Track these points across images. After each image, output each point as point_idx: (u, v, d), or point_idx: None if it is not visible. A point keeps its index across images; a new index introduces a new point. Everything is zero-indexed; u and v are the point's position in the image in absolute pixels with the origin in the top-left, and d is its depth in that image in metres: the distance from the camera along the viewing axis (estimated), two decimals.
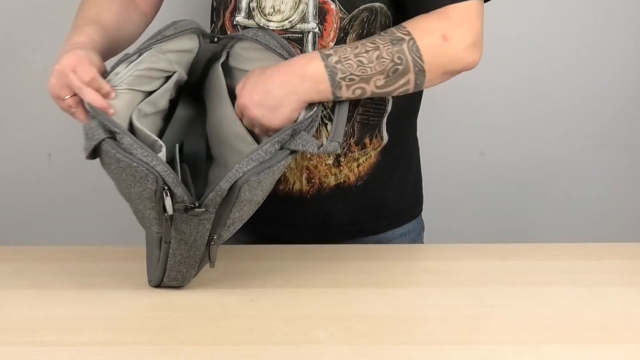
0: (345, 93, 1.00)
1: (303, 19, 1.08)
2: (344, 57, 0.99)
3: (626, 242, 1.15)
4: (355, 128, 1.14)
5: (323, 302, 0.97)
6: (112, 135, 0.92)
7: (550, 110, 1.87)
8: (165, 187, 0.87)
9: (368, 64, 1.00)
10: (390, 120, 1.16)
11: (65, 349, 0.87)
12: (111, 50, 1.09)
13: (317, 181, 1.15)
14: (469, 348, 0.85)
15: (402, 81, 1.02)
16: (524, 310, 0.95)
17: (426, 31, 1.02)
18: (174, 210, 0.89)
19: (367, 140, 1.15)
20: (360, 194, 1.18)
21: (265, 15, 1.09)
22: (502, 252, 1.14)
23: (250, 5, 1.10)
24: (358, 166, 1.16)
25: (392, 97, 1.14)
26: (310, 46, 1.09)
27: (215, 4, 1.17)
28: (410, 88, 1.03)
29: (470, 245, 1.18)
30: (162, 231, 0.92)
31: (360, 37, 1.09)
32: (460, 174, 1.92)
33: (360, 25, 1.09)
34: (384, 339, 0.87)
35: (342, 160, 1.15)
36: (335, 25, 1.09)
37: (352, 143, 1.14)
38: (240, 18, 1.11)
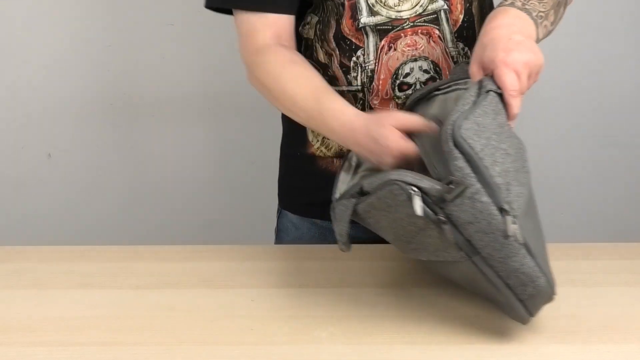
0: (540, 32, 0.97)
1: (431, 0, 1.09)
2: (524, 1, 0.97)
3: (626, 242, 1.15)
4: None
5: (323, 302, 0.97)
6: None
7: (550, 110, 1.87)
8: (413, 188, 0.79)
9: (544, 1, 0.98)
10: None
11: (65, 349, 0.87)
12: None
13: None
14: (469, 348, 0.85)
15: (560, 13, 1.02)
16: None
17: None
18: (440, 206, 0.79)
19: None
20: None
21: (391, 7, 1.08)
22: None
23: (369, 2, 1.08)
24: None
25: None
26: (445, 24, 1.09)
27: (315, 18, 1.12)
28: (561, 20, 1.03)
29: None
30: (458, 244, 0.81)
31: (480, 3, 1.11)
32: None
33: None
34: (384, 339, 0.87)
35: None
36: None
37: None
38: (365, 18, 1.09)
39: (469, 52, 1.11)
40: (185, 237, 1.92)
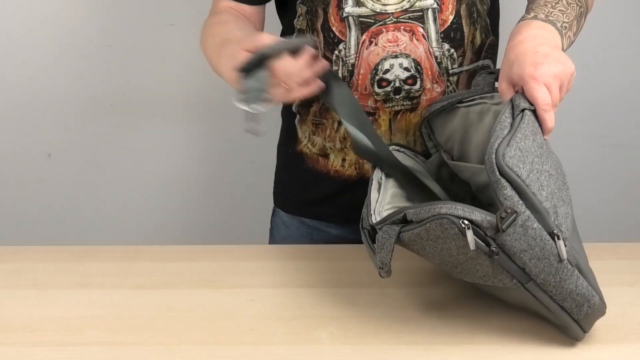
0: (565, 43, 0.97)
1: None
2: (549, 12, 0.97)
3: (626, 242, 1.15)
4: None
5: (323, 302, 0.97)
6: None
7: None
8: (464, 221, 0.77)
9: (567, 11, 0.99)
10: None
11: (65, 349, 0.87)
12: None
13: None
14: (469, 348, 0.85)
15: (582, 24, 1.03)
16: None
17: None
18: (494, 237, 0.78)
19: None
20: None
21: (378, 0, 1.08)
22: None
23: None
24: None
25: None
26: (431, 23, 1.08)
27: (304, 8, 1.12)
28: (582, 26, 1.04)
29: None
30: (511, 272, 0.81)
31: (468, 5, 1.10)
32: None
33: None
34: (384, 339, 0.87)
35: None
36: None
37: None
38: (350, 8, 1.08)
39: (454, 53, 1.10)
40: (185, 237, 1.92)
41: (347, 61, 1.10)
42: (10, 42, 1.83)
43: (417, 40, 1.08)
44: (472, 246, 0.77)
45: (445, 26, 1.09)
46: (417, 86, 1.09)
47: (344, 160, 1.15)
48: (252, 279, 1.04)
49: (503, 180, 0.78)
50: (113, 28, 1.78)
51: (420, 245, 0.84)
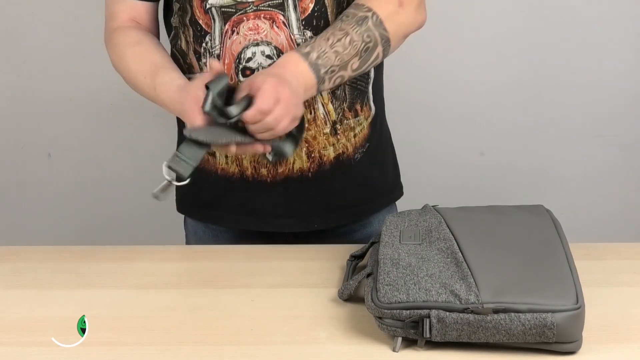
0: (327, 85, 1.04)
1: None
2: (322, 52, 1.02)
3: (626, 242, 1.15)
4: (347, 92, 1.14)
5: (323, 302, 0.97)
6: None
7: (550, 111, 1.87)
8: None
9: (343, 52, 1.03)
10: (374, 92, 1.19)
11: (65, 349, 0.87)
12: None
13: (317, 155, 1.15)
14: (469, 348, 0.85)
15: (373, 56, 1.06)
16: None
17: (385, 4, 1.06)
18: None
19: (358, 107, 1.17)
20: (359, 170, 1.19)
21: None
22: None
23: None
24: (354, 136, 1.17)
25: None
26: (292, 10, 1.09)
27: (178, 5, 1.14)
28: (379, 60, 1.08)
29: None
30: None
31: None
32: (460, 174, 1.92)
33: None
34: (384, 340, 0.87)
35: (339, 127, 1.15)
36: None
37: (345, 108, 1.15)
38: (213, 0, 1.09)
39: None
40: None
41: (213, 52, 1.11)
42: (10, 42, 1.83)
43: (277, 27, 1.09)
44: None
45: (306, 14, 1.10)
46: None
47: (226, 157, 1.17)
48: (252, 279, 1.04)
49: (394, 312, 0.85)
50: None
51: None
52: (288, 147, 1.02)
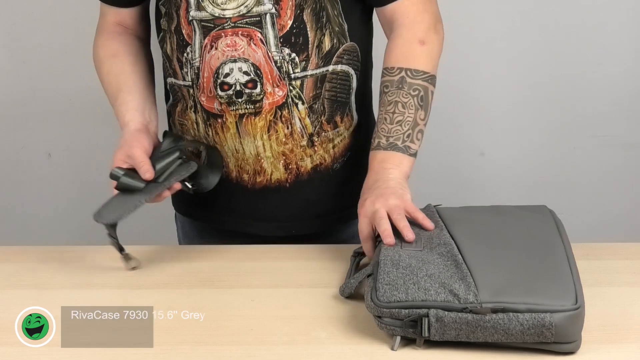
0: (416, 146, 1.09)
1: (258, 2, 1.09)
2: (388, 132, 1.07)
3: (626, 242, 1.15)
4: (325, 105, 1.15)
5: (323, 302, 0.97)
6: None
7: (550, 111, 1.87)
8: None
9: (405, 117, 1.08)
10: (358, 102, 1.19)
11: (65, 349, 0.87)
12: (151, 99, 1.19)
13: (294, 166, 1.16)
14: (469, 348, 0.85)
15: (429, 97, 1.12)
16: None
17: (409, 53, 1.10)
18: None
19: (338, 119, 1.17)
20: (339, 179, 1.20)
21: (218, 4, 1.09)
22: None
23: None
24: (333, 147, 1.18)
25: (356, 74, 1.17)
26: (269, 27, 1.09)
27: (164, 9, 1.16)
28: (434, 91, 1.13)
29: None
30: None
31: (315, 10, 1.10)
32: (460, 174, 1.92)
33: None
34: (383, 339, 0.87)
35: (316, 140, 1.16)
36: (291, 3, 1.09)
37: (323, 121, 1.15)
38: (194, 12, 1.11)
39: (296, 58, 1.11)
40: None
41: (194, 64, 1.13)
42: (10, 42, 1.83)
43: (255, 45, 1.10)
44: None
45: (285, 31, 1.10)
46: (258, 90, 1.11)
47: None
48: (252, 279, 1.04)
49: (393, 312, 0.85)
50: None
51: None
52: (204, 181, 1.10)
